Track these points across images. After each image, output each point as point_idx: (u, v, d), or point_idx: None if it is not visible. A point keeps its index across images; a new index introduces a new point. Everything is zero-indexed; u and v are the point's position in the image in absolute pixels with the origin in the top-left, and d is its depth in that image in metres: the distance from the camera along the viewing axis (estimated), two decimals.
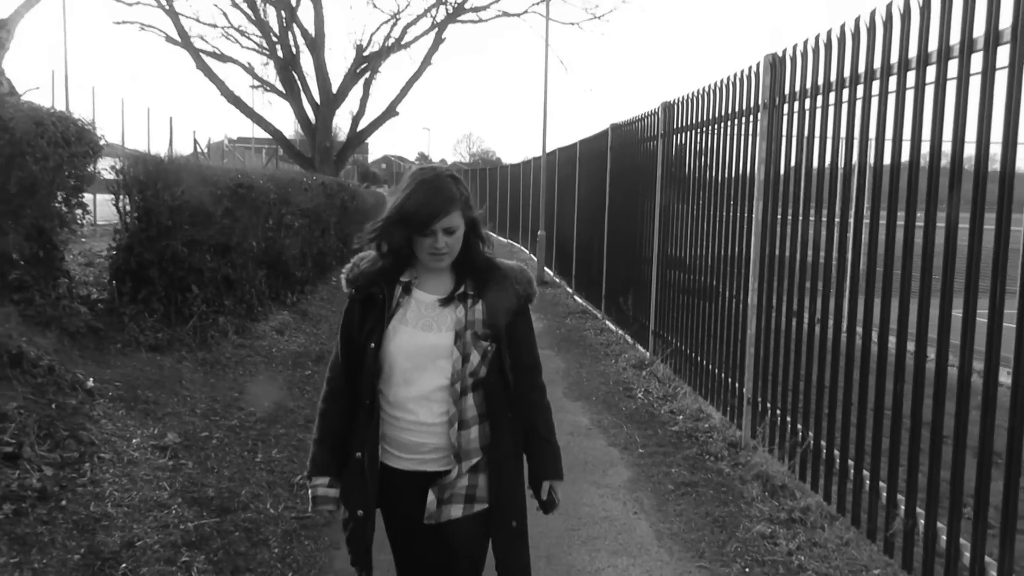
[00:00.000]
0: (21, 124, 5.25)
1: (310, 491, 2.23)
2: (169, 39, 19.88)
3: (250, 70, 21.20)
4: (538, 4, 20.07)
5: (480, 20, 21.16)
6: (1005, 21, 3.00)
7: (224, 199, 7.02)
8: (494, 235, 25.15)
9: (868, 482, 3.76)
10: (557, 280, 14.60)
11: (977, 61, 3.12)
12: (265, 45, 20.56)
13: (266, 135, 23.56)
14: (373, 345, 2.07)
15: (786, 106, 4.80)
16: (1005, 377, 2.87)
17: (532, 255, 16.98)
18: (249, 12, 19.89)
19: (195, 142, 27.88)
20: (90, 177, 5.90)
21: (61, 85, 17.26)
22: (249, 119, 21.96)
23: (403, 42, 20.90)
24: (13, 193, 5.23)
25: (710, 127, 6.19)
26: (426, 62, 20.98)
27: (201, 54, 19.90)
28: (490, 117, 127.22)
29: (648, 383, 6.97)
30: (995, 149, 3.03)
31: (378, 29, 24.96)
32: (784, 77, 4.81)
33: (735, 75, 5.59)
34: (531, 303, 2.17)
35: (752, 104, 5.29)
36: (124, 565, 3.21)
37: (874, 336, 3.77)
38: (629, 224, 8.71)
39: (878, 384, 3.70)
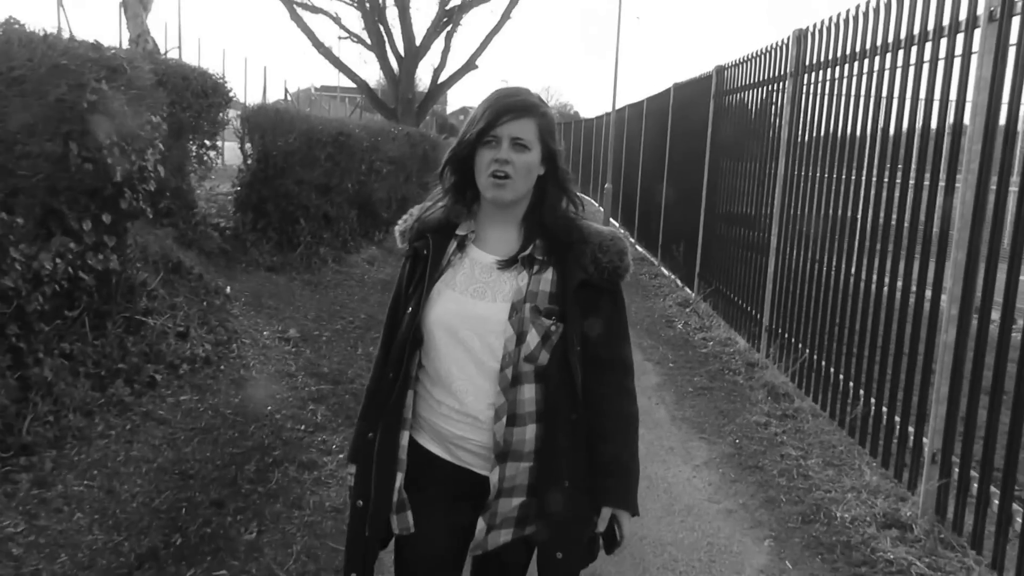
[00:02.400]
0: (172, 79, 6.46)
1: (347, 478, 1.89)
2: None
3: (338, 21, 22.34)
4: None
5: None
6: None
7: (328, 145, 8.18)
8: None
9: (842, 383, 4.68)
10: (621, 231, 15.49)
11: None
12: None
13: (350, 84, 24.74)
14: (411, 309, 1.73)
15: (807, 75, 5.61)
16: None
17: (599, 207, 17.85)
18: None
19: (285, 91, 29.46)
20: (223, 123, 7.13)
21: (175, 39, 18.69)
22: (337, 69, 23.17)
23: None
24: (166, 136, 6.48)
25: (747, 92, 7.01)
26: (506, 16, 21.70)
27: (294, 4, 21.09)
28: (569, 71, 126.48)
29: (689, 318, 7.92)
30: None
31: None
32: (807, 50, 5.62)
33: (769, 46, 6.39)
34: (622, 280, 1.73)
35: (782, 72, 6.10)
36: (270, 407, 4.42)
37: (863, 276, 4.65)
38: (683, 180, 9.55)
39: (863, 313, 4.57)
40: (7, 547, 2.74)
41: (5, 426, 3.26)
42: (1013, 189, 3.28)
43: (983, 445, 3.26)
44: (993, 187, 3.34)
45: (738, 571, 3.14)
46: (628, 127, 14.98)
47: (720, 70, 8.12)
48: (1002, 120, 3.33)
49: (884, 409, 4.14)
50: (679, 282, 9.64)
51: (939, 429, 3.55)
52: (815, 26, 5.49)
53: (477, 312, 1.68)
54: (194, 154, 7.06)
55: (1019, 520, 3.09)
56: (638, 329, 7.45)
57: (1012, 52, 3.23)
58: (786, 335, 5.73)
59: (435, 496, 1.74)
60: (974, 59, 3.49)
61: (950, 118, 3.72)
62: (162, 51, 9.39)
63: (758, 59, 6.74)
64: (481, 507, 1.69)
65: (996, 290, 3.29)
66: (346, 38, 23.32)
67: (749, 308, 6.66)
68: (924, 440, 3.69)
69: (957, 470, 3.43)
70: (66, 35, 4.77)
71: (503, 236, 1.75)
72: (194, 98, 6.66)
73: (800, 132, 5.75)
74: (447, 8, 21.56)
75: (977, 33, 3.48)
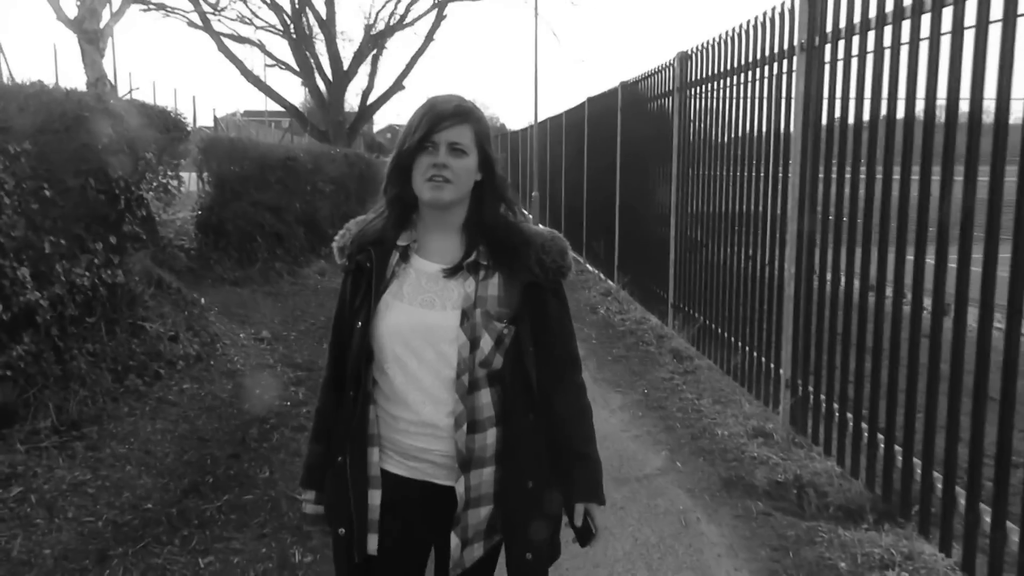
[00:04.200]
0: (134, 119, 7.24)
1: (302, 504, 1.88)
2: (191, 23, 21.65)
3: (264, 49, 22.98)
4: None
5: None
6: None
7: (278, 169, 9.03)
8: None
9: (726, 339, 5.78)
10: None
11: None
12: (279, 27, 22.33)
13: (277, 108, 25.32)
14: (360, 324, 1.71)
15: (688, 90, 6.74)
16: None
17: (528, 214, 18.94)
18: None
19: (215, 119, 29.83)
20: (184, 154, 7.91)
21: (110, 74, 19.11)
22: (267, 96, 23.76)
23: (407, 20, 22.67)
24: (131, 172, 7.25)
25: (646, 104, 8.14)
26: (429, 38, 22.68)
27: (221, 37, 21.65)
28: (494, 85, 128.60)
29: (610, 304, 9.00)
30: None
31: (384, 7, 26.71)
32: (689, 70, 6.75)
33: (660, 66, 7.52)
34: (564, 278, 1.79)
35: (670, 88, 7.21)
36: (258, 391, 5.28)
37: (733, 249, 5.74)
38: (601, 183, 10.66)
39: (737, 284, 5.66)
40: (83, 489, 3.57)
41: (57, 408, 4.08)
42: (833, 176, 4.38)
43: (823, 371, 4.36)
44: (821, 175, 4.42)
45: (641, 469, 4.16)
46: (551, 138, 16.10)
47: (624, 85, 9.25)
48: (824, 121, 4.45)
49: (755, 354, 5.25)
50: (601, 275, 10.75)
51: (788, 361, 4.65)
52: (694, 49, 6.62)
53: (428, 321, 1.68)
54: (157, 184, 7.82)
55: (849, 421, 4.17)
56: None
57: (826, 70, 4.36)
58: (686, 308, 6.83)
59: (400, 517, 1.72)
60: (795, 77, 4.61)
61: (782, 123, 4.84)
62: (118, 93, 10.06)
63: (652, 77, 7.88)
64: (448, 522, 1.69)
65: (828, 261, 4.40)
66: (273, 66, 23.98)
67: (658, 290, 7.76)
68: (781, 370, 4.79)
69: (801, 391, 4.53)
70: (6, 77, 5.52)
71: (445, 244, 1.75)
72: (158, 134, 7.43)
73: (686, 137, 6.87)
74: (372, 35, 22.42)
75: (796, 59, 4.60)
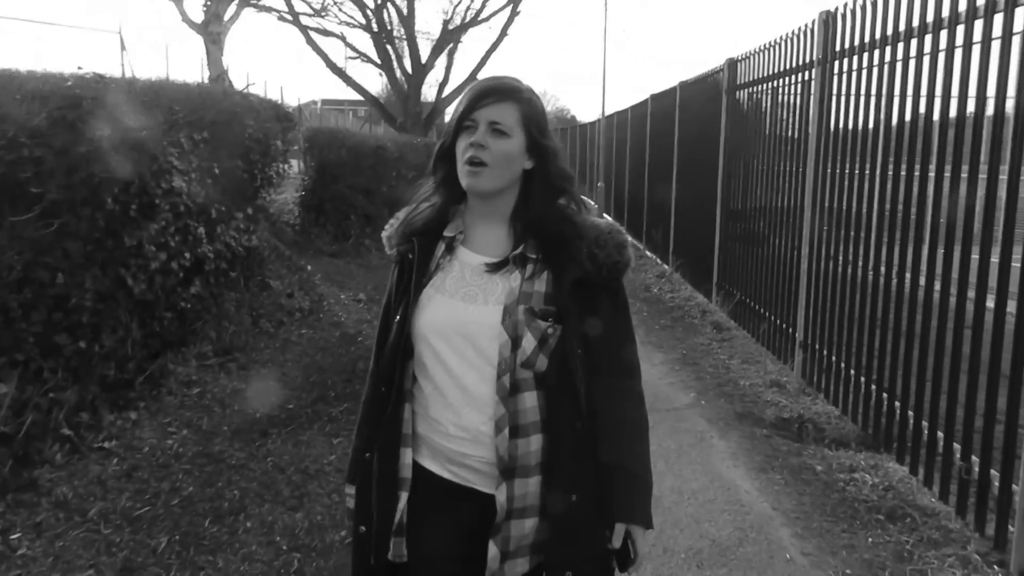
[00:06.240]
0: (264, 113, 8.46)
1: (345, 499, 1.79)
2: (281, 18, 23.17)
3: (348, 43, 24.38)
4: None
5: None
6: None
7: (369, 156, 10.20)
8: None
9: (756, 309, 6.67)
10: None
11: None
12: (362, 21, 23.68)
13: (354, 97, 26.72)
14: (399, 317, 1.63)
15: (737, 92, 7.60)
16: None
17: (594, 204, 19.85)
18: None
19: (298, 108, 31.54)
20: (293, 142, 9.13)
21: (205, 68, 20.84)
22: (349, 87, 25.21)
23: (482, 16, 23.77)
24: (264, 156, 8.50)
25: (699, 104, 9.00)
26: (503, 33, 23.69)
27: (309, 31, 23.10)
28: (566, 79, 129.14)
29: (663, 285, 9.91)
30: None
31: (460, 2, 27.86)
32: (736, 73, 7.61)
33: (712, 70, 8.39)
34: (622, 275, 1.62)
35: (718, 90, 8.08)
36: (360, 338, 6.41)
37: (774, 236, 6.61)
38: (660, 176, 11.54)
39: (766, 265, 6.53)
40: (242, 394, 4.74)
41: (218, 337, 5.27)
42: (839, 173, 5.21)
43: (831, 333, 5.24)
44: (830, 172, 5.27)
45: (672, 403, 5.14)
46: (616, 132, 16.98)
47: (682, 84, 10.12)
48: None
49: (777, 322, 6.14)
50: (658, 260, 11.64)
51: (802, 326, 5.54)
52: (740, 56, 7.48)
53: (468, 316, 1.58)
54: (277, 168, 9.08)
55: (845, 372, 5.04)
56: None
57: (834, 81, 5.21)
58: (727, 287, 7.72)
59: (436, 523, 1.62)
60: (812, 86, 5.47)
61: (802, 126, 5.71)
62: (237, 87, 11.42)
63: (707, 79, 8.74)
64: (487, 533, 1.56)
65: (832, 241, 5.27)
66: (355, 58, 25.41)
67: (704, 270, 8.64)
68: (796, 334, 5.67)
69: (813, 349, 5.41)
70: (128, 75, 6.69)
71: (492, 236, 1.65)
72: (273, 124, 8.66)
73: (731, 136, 7.73)
74: (450, 29, 23.58)
75: (813, 71, 5.46)
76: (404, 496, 1.62)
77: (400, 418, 1.64)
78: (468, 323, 1.58)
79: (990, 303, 3.50)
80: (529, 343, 1.54)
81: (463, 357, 1.58)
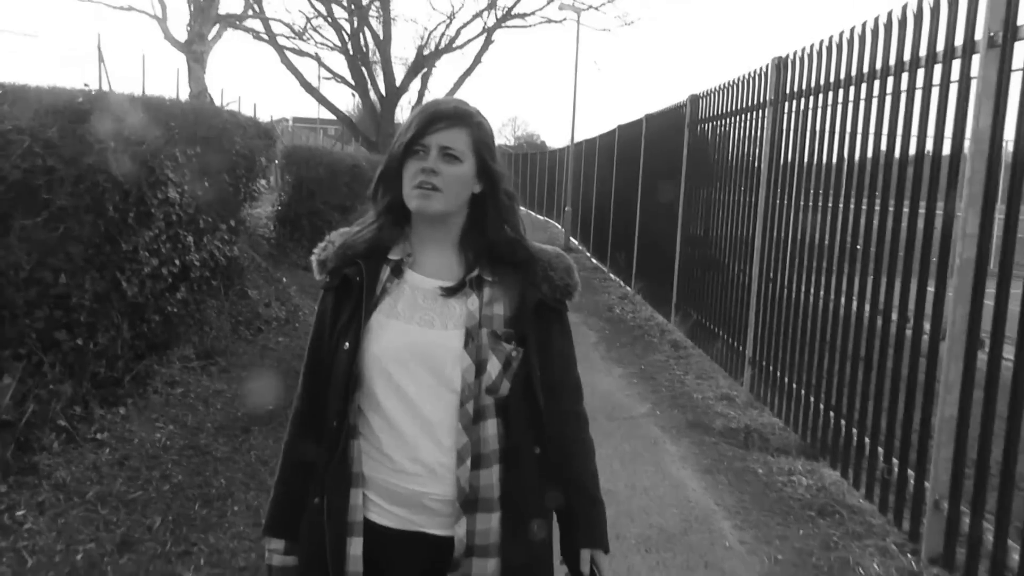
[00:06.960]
0: (250, 130, 8.75)
1: (266, 555, 1.65)
2: (256, 37, 23.45)
3: (323, 64, 24.74)
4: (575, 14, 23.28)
5: (526, 25, 24.42)
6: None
7: (344, 174, 10.51)
8: (534, 214, 28.61)
9: (711, 328, 7.09)
10: (579, 246, 17.97)
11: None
12: (339, 43, 24.06)
13: (328, 116, 27.06)
14: (348, 345, 1.52)
15: (697, 127, 8.07)
16: None
17: (561, 227, 20.32)
18: (325, 14, 23.47)
19: (272, 126, 31.77)
20: (273, 156, 9.41)
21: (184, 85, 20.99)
22: (323, 105, 25.50)
23: (456, 43, 24.29)
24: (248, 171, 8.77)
25: (664, 136, 9.48)
26: (477, 60, 24.21)
27: (284, 51, 23.40)
28: (536, 103, 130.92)
29: (625, 305, 10.33)
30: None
31: (435, 28, 28.41)
32: (787, 78, 8.08)
33: (675, 105, 8.87)
34: (571, 299, 1.63)
35: (681, 125, 8.56)
36: None
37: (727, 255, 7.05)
38: (624, 202, 12.01)
39: (719, 286, 6.96)
40: (224, 395, 5.00)
41: (200, 341, 5.53)
42: (786, 203, 5.66)
43: (778, 351, 5.65)
44: (778, 202, 5.72)
45: (628, 413, 5.50)
46: (585, 159, 17.50)
47: (649, 117, 10.61)
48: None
49: (730, 340, 6.56)
50: (621, 282, 12.08)
51: (751, 344, 5.96)
52: (706, 91, 7.97)
53: (428, 341, 1.51)
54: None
55: (795, 387, 5.44)
56: (584, 313, 9.84)
57: (785, 120, 5.67)
58: (685, 307, 8.15)
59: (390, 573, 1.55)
60: (764, 123, 5.93)
61: (755, 160, 6.16)
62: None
63: (671, 112, 9.23)
64: (443, 571, 1.50)
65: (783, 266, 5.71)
66: (330, 78, 25.75)
67: (664, 291, 9.08)
68: (746, 351, 6.09)
69: (761, 366, 5.82)
70: (105, 87, 7.03)
71: (441, 259, 1.60)
72: (257, 141, 8.95)
73: (690, 169, 8.20)
74: (424, 55, 24.05)
75: (766, 110, 5.92)
76: (359, 542, 1.51)
77: (349, 456, 1.53)
78: (428, 348, 1.52)
79: (916, 329, 3.93)
80: (494, 367, 1.51)
81: (422, 385, 1.51)
